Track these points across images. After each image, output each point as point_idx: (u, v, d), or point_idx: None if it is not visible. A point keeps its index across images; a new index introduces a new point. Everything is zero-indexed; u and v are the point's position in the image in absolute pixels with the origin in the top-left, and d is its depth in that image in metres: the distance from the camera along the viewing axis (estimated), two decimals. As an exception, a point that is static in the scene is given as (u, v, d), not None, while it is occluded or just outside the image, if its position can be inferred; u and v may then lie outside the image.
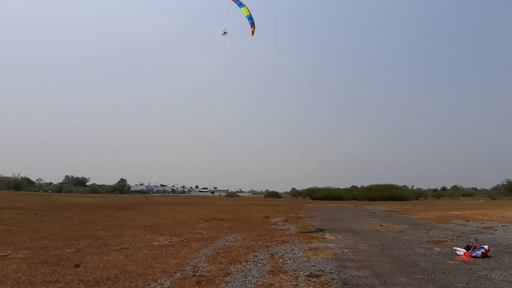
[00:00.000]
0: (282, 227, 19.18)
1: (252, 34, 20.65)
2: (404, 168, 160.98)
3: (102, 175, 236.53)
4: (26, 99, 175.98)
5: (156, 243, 13.28)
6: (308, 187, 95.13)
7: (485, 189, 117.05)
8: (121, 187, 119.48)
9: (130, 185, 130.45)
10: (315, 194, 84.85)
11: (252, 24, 20.29)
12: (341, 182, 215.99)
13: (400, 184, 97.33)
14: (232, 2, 20.18)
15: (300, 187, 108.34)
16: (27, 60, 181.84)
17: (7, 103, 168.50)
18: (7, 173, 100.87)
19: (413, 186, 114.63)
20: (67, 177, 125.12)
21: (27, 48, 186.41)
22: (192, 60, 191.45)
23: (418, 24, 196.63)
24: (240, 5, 20.24)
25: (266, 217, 25.79)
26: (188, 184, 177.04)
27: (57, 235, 14.52)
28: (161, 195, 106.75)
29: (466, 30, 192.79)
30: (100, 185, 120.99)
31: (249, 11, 20.14)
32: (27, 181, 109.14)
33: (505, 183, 79.33)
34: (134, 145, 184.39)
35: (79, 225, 18.35)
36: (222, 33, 22.10)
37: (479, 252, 10.58)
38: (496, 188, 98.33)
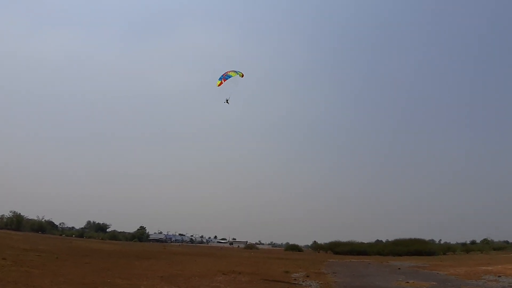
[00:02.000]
0: (303, 283, 18.50)
1: (242, 76, 24.77)
2: (431, 221, 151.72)
3: (123, 222, 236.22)
4: (51, 148, 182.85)
5: (173, 294, 13.05)
6: (330, 240, 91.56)
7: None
8: (140, 235, 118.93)
9: (149, 233, 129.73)
10: (337, 248, 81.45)
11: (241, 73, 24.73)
12: (365, 236, 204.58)
13: (427, 238, 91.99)
14: (224, 81, 24.51)
15: (321, 240, 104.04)
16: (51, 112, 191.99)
17: (32, 149, 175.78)
18: (32, 215, 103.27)
19: (440, 240, 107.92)
20: (89, 222, 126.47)
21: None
22: (218, 110, 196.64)
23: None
24: (229, 76, 24.51)
25: (287, 271, 24.84)
26: (207, 234, 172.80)
27: (77, 281, 14.60)
28: (179, 244, 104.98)
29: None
30: (120, 231, 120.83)
31: (231, 72, 24.74)
32: (51, 224, 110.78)
33: None
34: (154, 192, 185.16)
35: (98, 272, 18.35)
36: (225, 101, 25.58)
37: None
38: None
